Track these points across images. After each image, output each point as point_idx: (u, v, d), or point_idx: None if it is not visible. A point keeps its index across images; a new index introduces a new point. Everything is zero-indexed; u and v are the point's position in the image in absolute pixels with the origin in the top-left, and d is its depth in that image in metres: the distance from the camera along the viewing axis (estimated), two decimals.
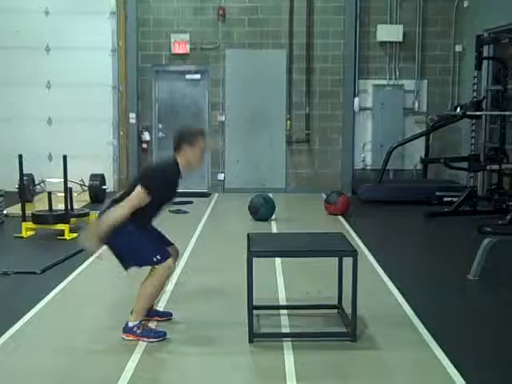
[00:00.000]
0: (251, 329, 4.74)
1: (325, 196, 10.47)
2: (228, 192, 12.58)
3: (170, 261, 4.79)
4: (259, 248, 4.82)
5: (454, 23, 12.35)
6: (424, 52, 12.50)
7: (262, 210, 9.55)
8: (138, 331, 4.78)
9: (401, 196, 11.06)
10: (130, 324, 4.81)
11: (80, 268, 6.88)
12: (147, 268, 4.88)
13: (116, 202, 4.77)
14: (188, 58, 12.54)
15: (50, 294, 5.92)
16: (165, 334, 4.84)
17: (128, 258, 4.83)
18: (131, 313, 4.87)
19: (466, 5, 12.13)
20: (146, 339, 4.76)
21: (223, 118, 12.60)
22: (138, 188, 4.62)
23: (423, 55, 12.50)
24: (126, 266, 4.93)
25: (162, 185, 4.75)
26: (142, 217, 4.76)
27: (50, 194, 8.81)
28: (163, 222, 9.74)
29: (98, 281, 6.62)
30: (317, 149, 12.61)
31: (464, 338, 4.90)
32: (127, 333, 4.80)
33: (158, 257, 4.73)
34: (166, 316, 5.23)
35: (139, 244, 4.76)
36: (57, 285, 6.20)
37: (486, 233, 7.84)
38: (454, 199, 10.31)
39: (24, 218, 8.47)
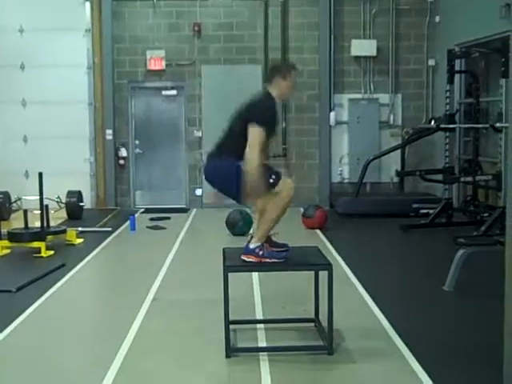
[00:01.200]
0: (228, 344, 4.74)
1: (302, 210, 10.52)
2: (206, 207, 12.57)
3: (289, 180, 4.85)
4: (234, 263, 4.83)
5: (427, 38, 12.52)
6: (398, 66, 12.64)
7: (239, 224, 9.57)
8: (261, 252, 4.78)
9: (378, 209, 11.15)
10: (252, 246, 4.81)
11: (56, 286, 6.84)
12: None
13: (219, 146, 4.92)
14: (164, 75, 12.57)
15: (25, 313, 5.87)
16: (288, 249, 4.86)
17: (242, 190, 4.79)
18: (252, 237, 4.87)
19: (437, 20, 12.31)
20: (268, 260, 4.77)
21: (200, 134, 12.63)
22: (254, 127, 4.69)
23: (397, 69, 12.64)
24: (241, 199, 4.92)
25: (272, 116, 4.88)
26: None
27: (25, 211, 8.77)
28: (141, 238, 9.79)
29: (74, 299, 6.60)
30: (294, 163, 12.66)
31: (439, 349, 4.94)
32: (248, 254, 4.80)
33: (273, 176, 4.77)
34: (284, 247, 5.02)
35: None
36: (32, 303, 6.15)
37: (460, 244, 7.92)
38: (431, 211, 10.39)
39: (0, 237, 8.41)
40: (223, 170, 4.85)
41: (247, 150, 4.72)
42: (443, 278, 6.56)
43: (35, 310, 6.00)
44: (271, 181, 4.77)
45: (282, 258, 4.82)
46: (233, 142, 4.85)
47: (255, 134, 4.71)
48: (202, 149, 12.59)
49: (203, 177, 5.14)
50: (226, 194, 4.99)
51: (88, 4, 12.31)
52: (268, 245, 4.87)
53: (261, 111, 4.85)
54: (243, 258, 4.83)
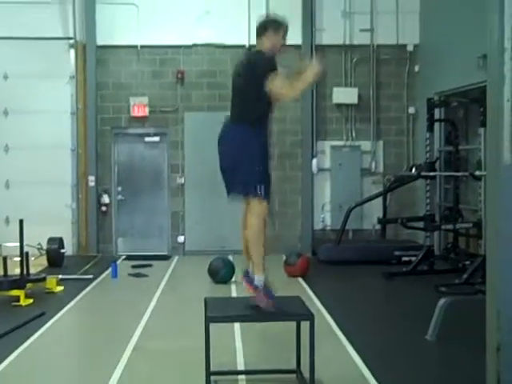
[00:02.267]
0: None
1: (284, 257, 10.51)
2: (188, 254, 12.52)
3: (265, 204, 4.79)
4: (216, 313, 4.80)
5: (407, 86, 12.73)
6: (379, 114, 12.82)
7: (221, 272, 9.53)
8: (264, 289, 4.77)
9: (360, 256, 11.16)
10: (257, 279, 4.77)
11: (35, 335, 6.74)
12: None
13: (236, 114, 4.89)
14: (147, 121, 12.64)
15: (3, 364, 5.77)
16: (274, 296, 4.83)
17: (247, 172, 4.76)
18: (254, 268, 4.82)
19: (416, 69, 12.56)
20: (265, 300, 4.74)
21: (183, 181, 12.65)
22: (273, 76, 4.67)
23: (378, 117, 12.81)
24: (233, 188, 4.90)
25: (275, 62, 4.83)
26: (266, 116, 4.86)
27: (5, 258, 8.68)
28: (122, 286, 9.70)
29: (54, 348, 6.49)
30: (276, 210, 12.67)
31: None
32: (253, 287, 4.78)
33: (262, 189, 4.73)
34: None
35: (261, 162, 4.76)
36: (10, 353, 6.04)
37: (442, 293, 7.93)
38: (413, 258, 10.42)
39: None
40: (243, 143, 4.78)
41: (285, 97, 4.81)
42: (425, 327, 6.54)
43: (14, 360, 5.90)
44: (258, 190, 4.74)
45: (273, 299, 4.81)
46: (248, 106, 4.82)
47: (277, 79, 4.70)
48: (185, 196, 12.61)
49: (219, 147, 4.98)
50: (230, 167, 4.88)
51: (73, 51, 12.41)
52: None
53: (266, 62, 4.81)
54: (246, 285, 4.85)
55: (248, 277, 4.85)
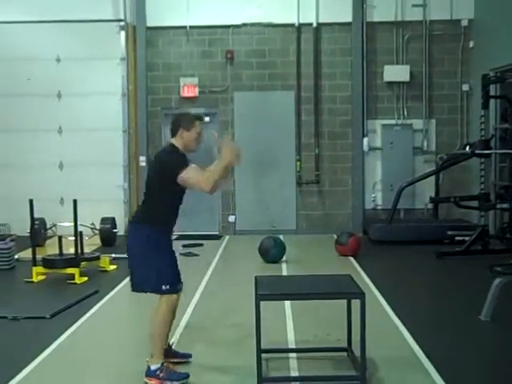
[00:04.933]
0: (260, 373, 4.68)
1: (336, 237, 10.45)
2: (239, 234, 12.57)
3: (175, 296, 4.81)
4: (266, 291, 4.80)
5: (461, 63, 12.44)
6: (431, 91, 12.56)
7: (272, 252, 9.53)
8: (161, 374, 4.73)
9: (412, 236, 11.02)
10: (153, 367, 4.77)
11: (90, 312, 6.88)
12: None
13: (137, 213, 4.91)
14: (197, 101, 12.67)
15: (59, 339, 5.91)
16: (187, 375, 4.80)
17: (143, 275, 4.80)
18: (151, 355, 4.83)
19: (471, 45, 12.25)
20: (169, 383, 4.71)
21: None
22: (186, 172, 4.61)
23: (431, 95, 12.56)
24: (135, 288, 4.92)
25: (186, 160, 4.77)
26: (169, 213, 4.87)
27: (60, 238, 8.85)
28: None
29: (107, 326, 6.61)
30: (327, 190, 12.62)
31: (476, 381, 4.82)
32: (150, 376, 4.76)
33: (168, 286, 4.75)
34: (186, 358, 5.16)
35: (158, 264, 4.74)
36: (65, 330, 6.18)
37: (497, 273, 7.77)
38: (466, 238, 10.23)
39: (35, 263, 8.50)
40: (146, 245, 4.75)
41: (205, 190, 4.65)
42: (479, 307, 6.42)
43: (69, 337, 6.04)
44: (163, 288, 4.75)
45: (181, 380, 4.75)
46: (148, 207, 4.82)
47: (191, 174, 4.63)
48: (235, 175, 12.62)
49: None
50: (132, 267, 4.90)
51: (123, 33, 12.51)
52: (169, 363, 4.84)
53: (176, 159, 4.73)
54: (146, 380, 4.76)
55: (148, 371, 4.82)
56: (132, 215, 5.00)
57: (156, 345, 4.81)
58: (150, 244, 4.74)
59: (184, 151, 4.86)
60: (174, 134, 4.91)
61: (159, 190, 4.75)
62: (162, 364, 4.77)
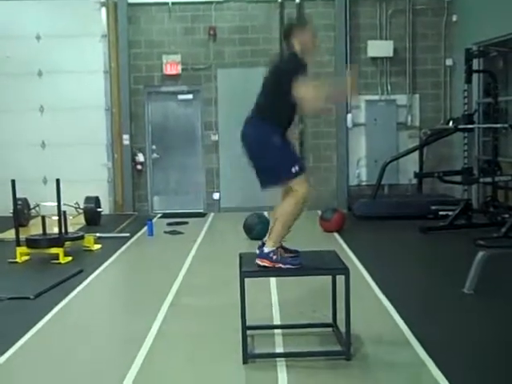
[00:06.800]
0: (245, 349, 4.71)
1: (320, 213, 10.46)
2: (224, 211, 12.57)
3: (307, 185, 4.81)
4: (250, 268, 4.80)
5: (444, 37, 12.42)
6: (415, 67, 12.55)
7: (256, 229, 9.52)
8: (274, 257, 4.73)
9: (396, 211, 11.05)
10: (266, 249, 4.76)
11: (74, 292, 6.85)
12: None
13: (259, 110, 4.82)
14: (180, 79, 12.58)
15: (44, 320, 5.88)
16: (301, 262, 4.77)
17: (268, 169, 4.81)
18: (267, 239, 4.82)
19: (454, 19, 12.21)
20: (282, 265, 4.72)
21: (217, 138, 12.62)
22: (299, 82, 4.54)
23: (414, 70, 12.55)
24: (263, 184, 4.91)
25: (304, 68, 4.72)
26: (286, 119, 4.83)
27: (43, 217, 8.80)
28: (158, 243, 9.78)
29: (92, 305, 6.60)
30: (311, 166, 12.59)
31: (461, 354, 4.86)
32: (263, 258, 4.75)
33: (297, 167, 4.71)
34: (294, 252, 5.02)
35: (281, 152, 4.75)
36: (50, 310, 6.16)
37: (480, 246, 7.83)
38: (450, 213, 10.28)
39: (18, 243, 8.44)
40: (264, 139, 4.76)
41: (309, 104, 4.62)
42: (463, 280, 6.47)
43: (54, 316, 6.01)
44: (293, 171, 4.70)
45: (295, 265, 4.77)
46: (272, 105, 4.77)
47: (301, 85, 4.55)
48: (219, 153, 12.59)
49: (241, 142, 4.90)
50: (256, 166, 4.90)
51: (104, 10, 12.36)
52: (282, 250, 4.83)
53: (294, 65, 4.70)
54: (257, 261, 4.78)
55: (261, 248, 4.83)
56: (249, 116, 4.91)
57: (277, 231, 4.76)
58: (274, 138, 4.72)
59: (302, 53, 4.81)
60: (287, 39, 4.89)
61: (278, 89, 4.71)
62: (277, 248, 4.76)
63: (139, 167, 12.67)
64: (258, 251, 4.82)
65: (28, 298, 6.57)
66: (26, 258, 8.48)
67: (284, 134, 4.82)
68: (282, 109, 4.75)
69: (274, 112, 4.75)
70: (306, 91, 4.55)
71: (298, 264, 4.77)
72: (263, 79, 4.94)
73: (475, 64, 10.78)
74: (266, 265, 4.75)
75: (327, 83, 4.75)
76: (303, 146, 12.56)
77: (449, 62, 12.40)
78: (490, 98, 10.79)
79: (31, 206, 11.41)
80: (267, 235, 4.93)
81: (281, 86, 4.66)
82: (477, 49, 10.84)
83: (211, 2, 12.43)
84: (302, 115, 12.32)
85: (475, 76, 10.95)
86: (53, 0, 12.20)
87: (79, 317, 6.14)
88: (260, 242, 4.90)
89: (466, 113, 10.39)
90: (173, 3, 12.39)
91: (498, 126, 10.35)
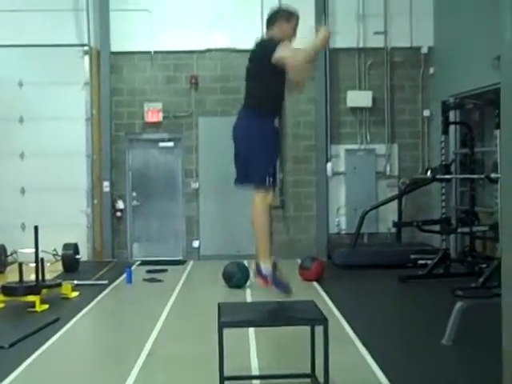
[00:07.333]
0: None
1: (299, 261, 10.46)
2: (203, 259, 12.52)
3: (271, 195, 4.85)
4: (229, 318, 4.77)
5: (421, 89, 12.66)
6: (393, 117, 12.75)
7: (236, 277, 9.50)
8: (270, 278, 4.82)
9: (375, 260, 11.10)
10: (264, 269, 4.81)
11: (50, 341, 6.74)
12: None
13: (250, 102, 4.88)
14: (161, 126, 12.67)
15: (18, 370, 5.78)
16: (290, 291, 4.89)
17: (253, 165, 4.83)
18: (259, 259, 4.86)
19: (431, 72, 12.49)
20: (274, 288, 4.84)
21: (197, 185, 12.65)
22: (279, 48, 4.62)
23: (393, 120, 12.75)
24: (242, 180, 4.99)
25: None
26: (278, 101, 4.86)
27: (20, 264, 8.69)
28: (137, 291, 9.70)
29: (68, 354, 6.50)
30: (291, 215, 12.65)
31: None
32: (261, 277, 4.83)
33: (270, 179, 4.79)
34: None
35: (270, 151, 4.81)
36: (25, 360, 6.05)
37: (458, 296, 7.86)
38: (429, 262, 10.33)
39: None
40: (259, 131, 4.81)
41: (292, 63, 4.64)
42: (442, 331, 6.47)
43: (28, 367, 5.91)
44: (266, 181, 4.78)
45: (285, 292, 4.81)
46: (260, 93, 4.82)
47: (282, 48, 4.63)
48: (199, 200, 12.61)
49: (233, 137, 5.02)
50: (253, 158, 4.91)
51: (87, 58, 12.47)
52: (278, 273, 4.86)
53: (274, 42, 4.77)
54: (257, 279, 4.84)
55: (259, 270, 4.87)
56: (241, 109, 5.00)
57: (262, 244, 4.81)
58: (268, 133, 4.78)
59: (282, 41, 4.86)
60: (270, 25, 4.96)
61: (267, 74, 4.75)
62: (274, 266, 4.81)
63: (119, 214, 12.64)
64: (252, 272, 4.91)
65: (3, 348, 6.45)
66: (2, 305, 8.36)
67: (274, 122, 4.87)
68: (271, 94, 4.81)
69: (262, 99, 4.81)
70: (286, 51, 4.65)
71: (289, 292, 4.90)
72: (246, 70, 5.00)
73: (452, 115, 11.01)
74: (261, 284, 4.85)
75: (306, 46, 4.77)
76: (284, 195, 12.60)
77: (426, 112, 12.62)
78: (466, 149, 10.97)
79: (8, 253, 11.30)
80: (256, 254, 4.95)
81: (264, 70, 4.74)
82: (453, 101, 11.06)
83: (193, 52, 12.62)
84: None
85: (452, 127, 11.16)
86: (36, 47, 12.26)
87: (54, 366, 6.04)
88: (253, 265, 4.93)
89: (444, 163, 10.56)
90: (155, 52, 12.55)
91: (475, 176, 10.51)
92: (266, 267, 4.78)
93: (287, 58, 4.66)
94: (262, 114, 4.81)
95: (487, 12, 9.31)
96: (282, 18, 4.95)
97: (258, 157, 4.84)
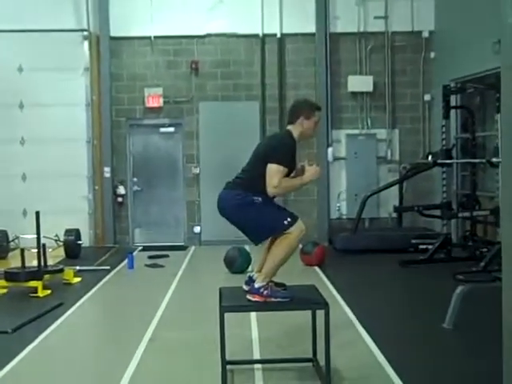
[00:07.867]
0: None
1: (301, 246, 10.47)
2: (205, 244, 12.54)
3: (301, 222, 4.81)
4: (230, 303, 4.80)
5: (422, 73, 12.63)
6: (394, 101, 12.73)
7: (237, 262, 9.53)
8: (265, 292, 4.73)
9: (376, 245, 11.11)
10: (257, 285, 4.76)
11: (53, 326, 6.78)
12: None
13: (238, 183, 4.88)
14: (162, 112, 12.65)
15: (21, 354, 5.81)
16: (291, 297, 4.79)
17: (259, 227, 4.86)
18: (257, 275, 4.84)
19: (432, 56, 12.45)
20: (273, 299, 4.73)
21: (198, 171, 12.65)
22: (273, 166, 4.70)
23: (394, 105, 12.73)
24: (258, 240, 4.97)
25: (290, 157, 4.83)
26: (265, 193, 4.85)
27: (22, 250, 8.72)
28: (139, 276, 9.73)
29: (71, 339, 6.53)
30: (292, 200, 12.64)
31: None
32: (254, 294, 4.75)
33: (289, 219, 4.75)
34: (282, 286, 5.04)
35: (268, 210, 4.83)
36: (28, 344, 6.08)
37: (459, 280, 7.88)
38: (430, 246, 10.35)
39: None
40: (243, 204, 4.83)
41: (268, 189, 4.74)
42: (442, 314, 6.50)
43: (31, 351, 5.94)
44: (285, 223, 4.75)
45: (286, 298, 4.78)
46: (252, 181, 4.83)
47: (274, 172, 4.71)
48: (200, 186, 12.61)
49: (218, 211, 5.06)
50: (243, 230, 4.97)
51: (87, 43, 12.44)
52: (272, 284, 4.84)
53: (281, 152, 4.79)
54: (249, 297, 4.79)
55: (251, 281, 4.86)
56: (228, 182, 5.01)
57: (270, 268, 4.78)
58: (257, 199, 4.79)
59: (299, 138, 4.92)
60: (292, 121, 4.95)
61: (260, 169, 4.78)
62: (268, 283, 4.76)
63: (120, 200, 12.66)
64: (245, 287, 4.87)
65: (6, 332, 6.48)
66: (4, 291, 8.40)
67: (254, 198, 4.86)
68: (263, 185, 4.80)
69: (254, 185, 4.81)
70: (274, 178, 4.71)
71: (289, 297, 4.79)
72: (254, 150, 5.03)
73: (453, 100, 10.98)
74: (258, 300, 4.76)
75: (293, 180, 4.93)
76: None
77: (427, 97, 12.59)
78: (467, 134, 10.96)
79: (10, 239, 11.33)
80: (255, 269, 4.95)
81: (265, 164, 4.76)
82: (454, 85, 11.04)
83: (193, 37, 12.57)
84: None
85: (453, 111, 11.15)
86: (35, 32, 12.21)
87: (57, 351, 6.07)
88: (247, 277, 4.92)
89: (445, 148, 10.54)
90: (155, 37, 12.51)
91: (476, 161, 10.50)
92: (264, 285, 4.77)
93: (269, 185, 4.74)
94: (247, 191, 4.84)
95: None
96: (302, 114, 4.90)
97: (262, 221, 4.88)
